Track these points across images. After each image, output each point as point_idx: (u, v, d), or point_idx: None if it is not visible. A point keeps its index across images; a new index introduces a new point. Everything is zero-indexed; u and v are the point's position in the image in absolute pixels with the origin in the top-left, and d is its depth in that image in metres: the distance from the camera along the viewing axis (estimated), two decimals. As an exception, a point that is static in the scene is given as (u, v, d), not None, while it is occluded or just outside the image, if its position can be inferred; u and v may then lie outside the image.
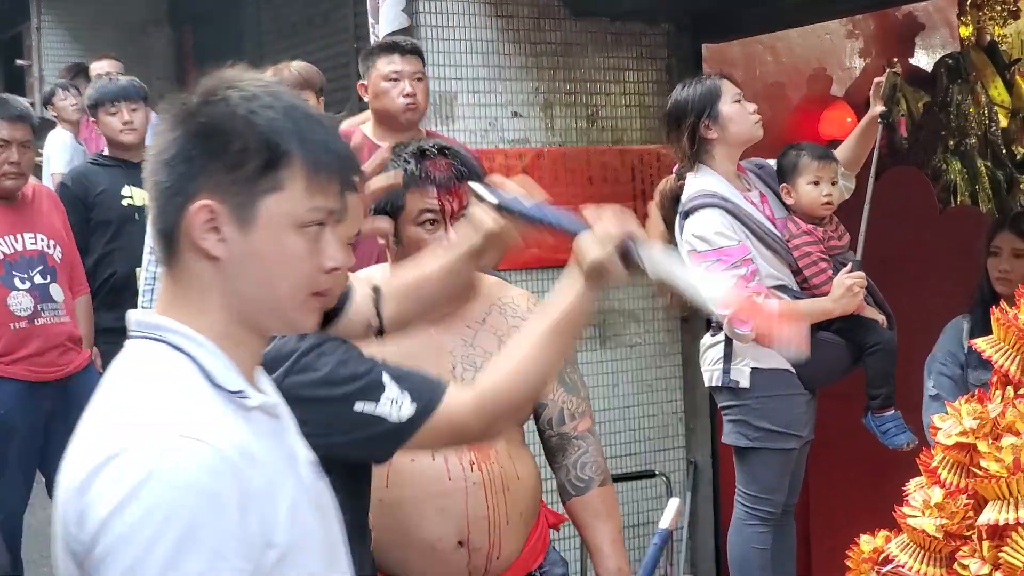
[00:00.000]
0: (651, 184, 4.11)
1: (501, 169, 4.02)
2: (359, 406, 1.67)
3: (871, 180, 3.50)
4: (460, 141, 3.63)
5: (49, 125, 6.28)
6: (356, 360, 1.73)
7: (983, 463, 1.80)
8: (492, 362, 1.76)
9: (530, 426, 2.42)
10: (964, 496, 1.84)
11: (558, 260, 4.24)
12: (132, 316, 1.32)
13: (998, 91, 5.93)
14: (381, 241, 2.30)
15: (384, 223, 2.17)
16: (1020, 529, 1.76)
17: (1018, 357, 1.90)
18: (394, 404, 1.67)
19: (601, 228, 1.66)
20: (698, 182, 3.39)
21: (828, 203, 3.45)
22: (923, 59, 6.04)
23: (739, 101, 3.41)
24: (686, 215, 3.36)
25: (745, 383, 3.36)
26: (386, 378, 1.70)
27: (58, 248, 3.94)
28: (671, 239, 3.47)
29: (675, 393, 4.53)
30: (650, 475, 4.45)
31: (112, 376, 1.29)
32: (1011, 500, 1.77)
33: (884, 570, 1.95)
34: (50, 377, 3.82)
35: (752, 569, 3.43)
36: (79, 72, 6.78)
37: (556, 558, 2.37)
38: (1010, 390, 1.89)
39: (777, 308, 3.25)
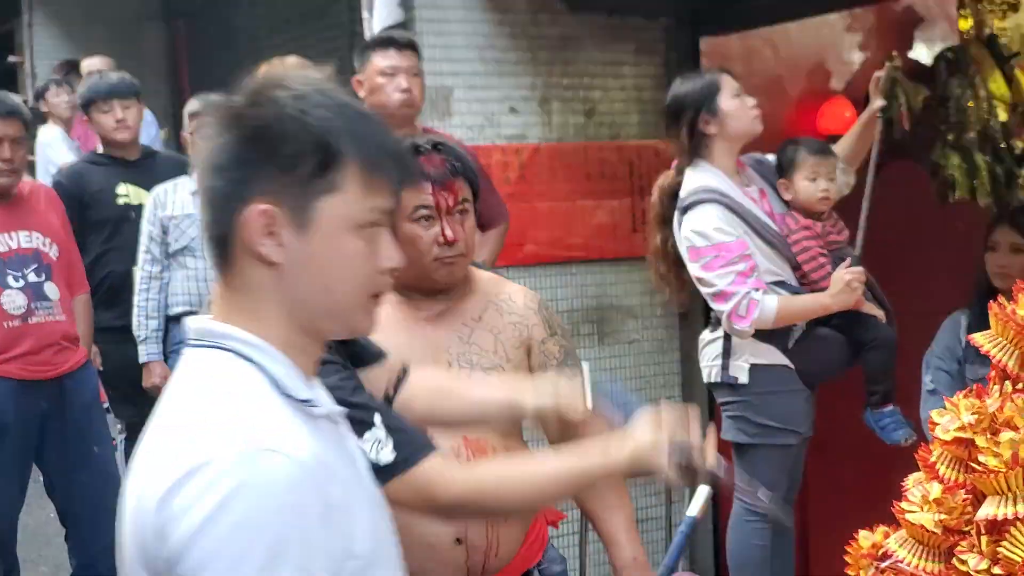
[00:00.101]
0: (648, 179, 4.10)
1: (498, 165, 4.02)
2: None
3: (871, 175, 3.49)
4: (457, 137, 3.62)
5: (39, 121, 6.26)
6: (350, 391, 1.72)
7: (981, 458, 1.80)
8: (499, 461, 1.74)
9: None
10: (963, 491, 1.84)
11: (555, 257, 4.26)
12: (191, 324, 1.30)
13: (997, 85, 5.90)
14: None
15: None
16: (1019, 524, 1.75)
17: (1016, 352, 1.89)
18: (376, 444, 1.67)
19: (665, 429, 1.62)
20: (697, 177, 3.38)
21: (825, 198, 3.44)
22: (922, 53, 6.02)
23: (738, 96, 3.40)
24: (685, 211, 3.35)
25: (744, 379, 3.36)
26: (377, 419, 1.70)
27: (54, 246, 3.92)
28: (670, 235, 3.46)
29: (673, 389, 4.52)
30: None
31: (180, 386, 1.26)
32: (1009, 495, 1.77)
33: (883, 565, 1.95)
34: (44, 376, 3.80)
35: (751, 565, 3.43)
36: (72, 69, 6.77)
37: (555, 556, 2.36)
38: (1008, 385, 1.89)
39: (776, 304, 3.25)
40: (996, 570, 1.76)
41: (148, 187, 4.35)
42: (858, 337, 3.41)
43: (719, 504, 4.47)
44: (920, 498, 1.87)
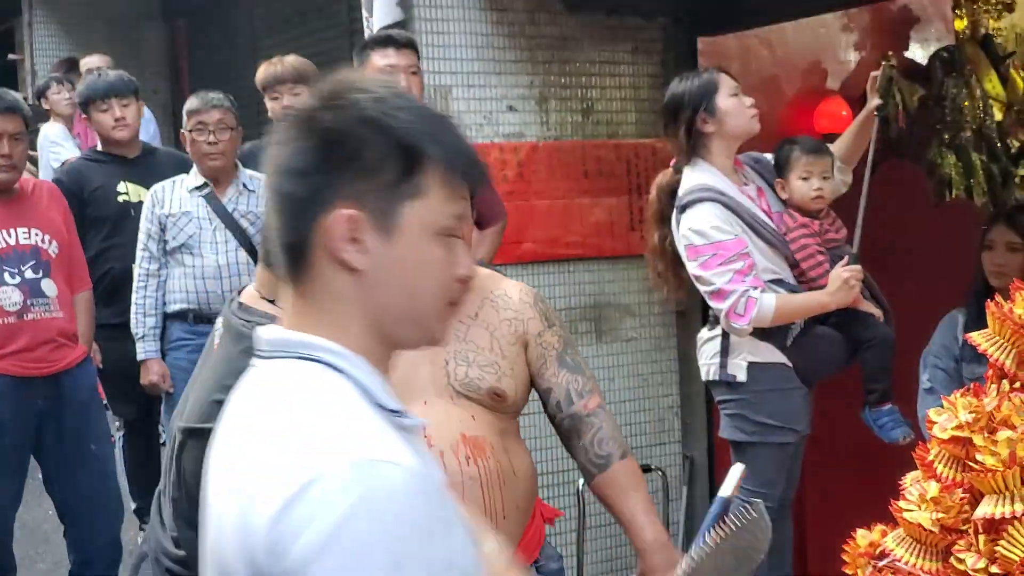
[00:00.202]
0: (646, 178, 4.11)
1: (496, 163, 4.02)
2: None
3: (868, 174, 3.50)
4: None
5: (42, 118, 6.26)
6: None
7: (979, 457, 1.80)
8: None
9: (527, 420, 2.41)
10: (960, 490, 1.84)
11: (553, 255, 4.25)
12: (266, 334, 1.25)
13: (993, 85, 5.92)
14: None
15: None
16: (1016, 523, 1.76)
17: (1013, 351, 1.90)
18: None
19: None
20: (694, 176, 3.38)
21: (818, 198, 3.45)
22: (918, 52, 6.03)
23: (736, 95, 3.40)
24: (683, 209, 3.36)
25: (742, 377, 3.36)
26: None
27: (54, 243, 3.91)
28: (668, 234, 3.46)
29: (671, 388, 4.52)
30: (646, 470, 4.43)
31: (269, 399, 1.21)
32: (1007, 494, 1.77)
33: (880, 564, 1.95)
34: (41, 373, 3.79)
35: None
36: (71, 67, 6.77)
37: (552, 552, 2.37)
38: (1005, 384, 1.89)
39: (774, 303, 3.26)
40: (993, 569, 1.77)
41: (148, 185, 4.34)
42: (856, 335, 3.42)
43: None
44: (918, 497, 1.87)
